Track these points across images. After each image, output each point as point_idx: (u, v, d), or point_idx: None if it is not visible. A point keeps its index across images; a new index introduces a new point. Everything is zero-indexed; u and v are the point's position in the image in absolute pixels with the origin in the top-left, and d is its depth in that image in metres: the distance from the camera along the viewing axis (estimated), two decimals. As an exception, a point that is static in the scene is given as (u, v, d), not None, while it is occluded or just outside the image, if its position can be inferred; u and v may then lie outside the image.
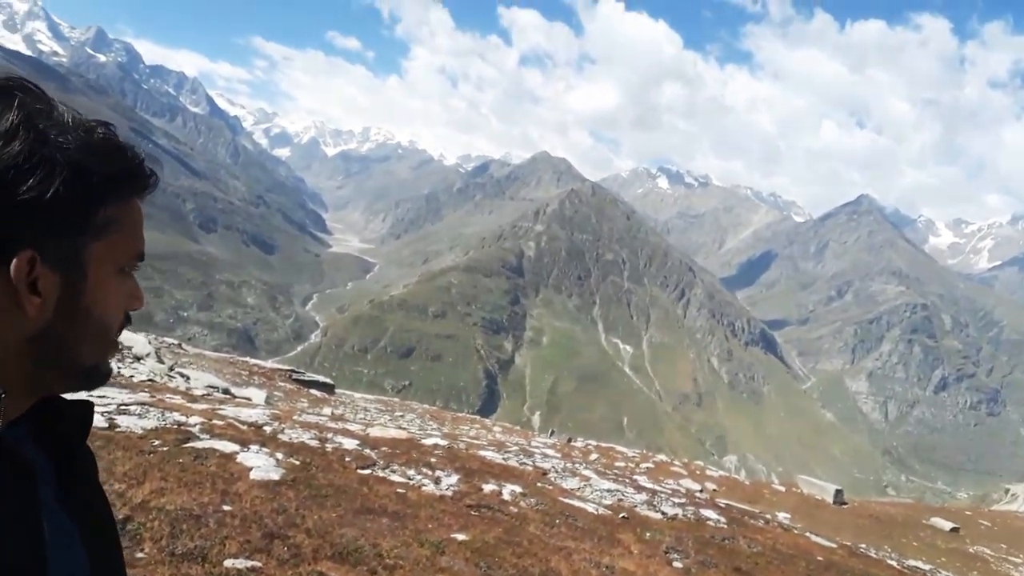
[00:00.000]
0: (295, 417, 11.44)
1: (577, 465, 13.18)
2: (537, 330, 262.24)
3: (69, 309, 0.74)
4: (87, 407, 0.91)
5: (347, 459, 9.12)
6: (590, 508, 9.71)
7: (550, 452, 15.30)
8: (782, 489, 23.79)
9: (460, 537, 7.13)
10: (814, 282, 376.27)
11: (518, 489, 9.53)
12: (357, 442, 10.08)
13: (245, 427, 9.41)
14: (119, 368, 15.86)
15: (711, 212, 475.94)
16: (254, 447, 8.42)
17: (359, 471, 8.78)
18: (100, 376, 0.83)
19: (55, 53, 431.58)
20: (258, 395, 18.78)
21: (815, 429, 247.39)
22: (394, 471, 9.14)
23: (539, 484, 10.54)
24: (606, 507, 10.09)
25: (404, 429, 13.62)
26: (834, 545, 12.06)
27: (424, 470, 9.45)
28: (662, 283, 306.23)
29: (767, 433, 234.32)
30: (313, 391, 28.08)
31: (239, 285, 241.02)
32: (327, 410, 18.76)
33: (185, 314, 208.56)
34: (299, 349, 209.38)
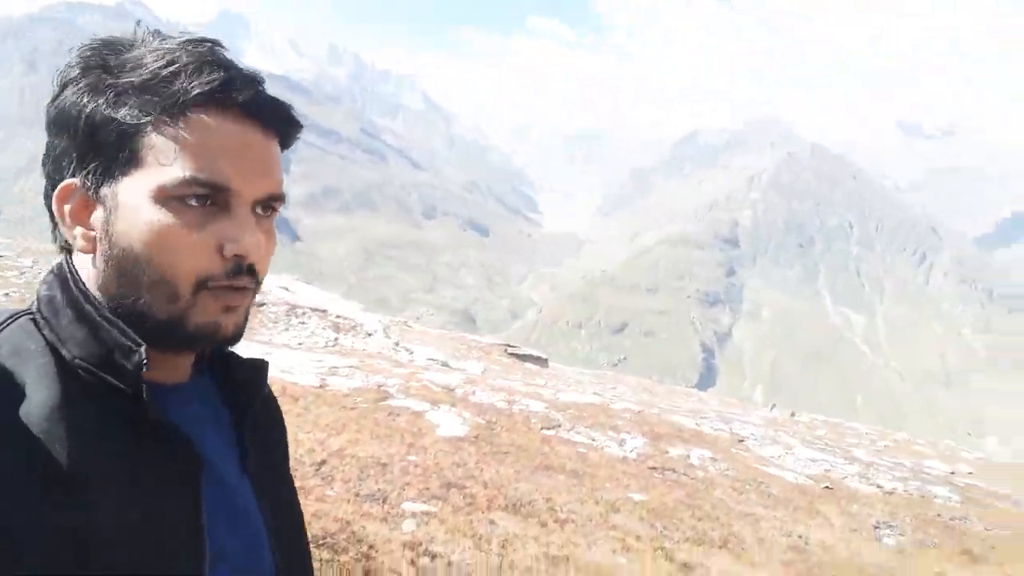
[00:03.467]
0: (488, 381, 11.92)
1: (780, 433, 12.35)
2: (756, 303, 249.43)
3: (109, 246, 0.67)
4: (256, 365, 0.84)
5: (532, 420, 9.33)
6: (788, 477, 9.05)
7: (752, 420, 14.47)
8: (1056, 469, 20.16)
9: (637, 497, 6.99)
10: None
11: (707, 454, 9.13)
12: (544, 405, 10.27)
13: (438, 389, 9.99)
14: (352, 342, 17.54)
15: (965, 165, 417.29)
16: (444, 407, 8.90)
17: (542, 431, 8.94)
18: (187, 333, 0.68)
19: (299, 70, 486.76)
20: (475, 367, 19.64)
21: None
22: (578, 433, 9.18)
23: (733, 450, 10.02)
24: (808, 477, 9.34)
25: (599, 395, 13.62)
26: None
27: (609, 432, 9.40)
28: (899, 248, 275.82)
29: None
30: (528, 364, 28.72)
31: (459, 267, 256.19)
32: (540, 380, 19.24)
33: (413, 295, 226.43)
34: (516, 326, 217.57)
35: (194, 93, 0.65)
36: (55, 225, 0.71)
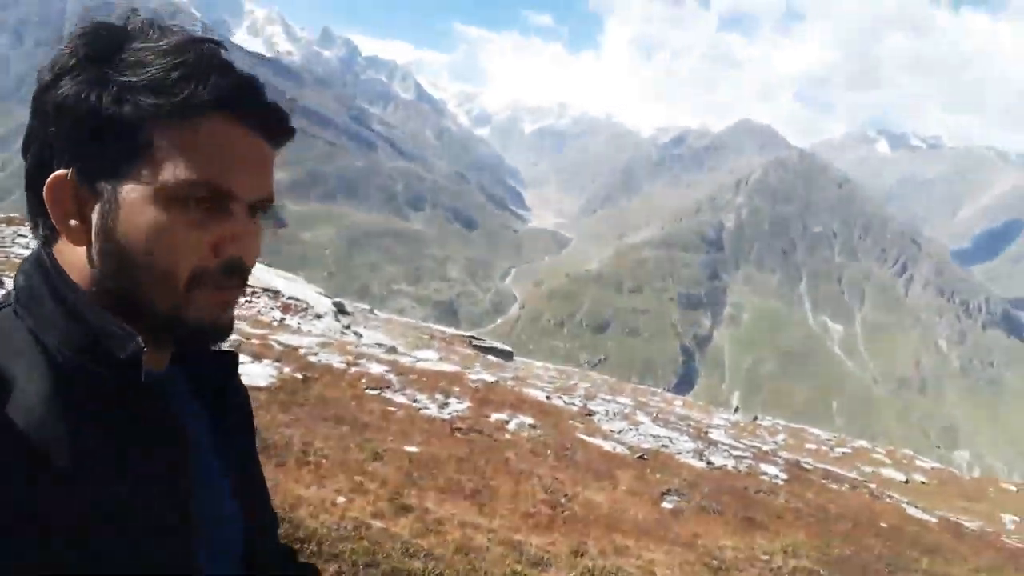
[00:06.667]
0: (350, 347, 11.94)
1: (638, 412, 12.45)
2: (737, 306, 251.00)
3: (106, 241, 0.68)
4: (227, 356, 0.87)
5: (362, 380, 9.36)
6: (608, 446, 9.14)
7: (623, 399, 14.59)
8: (1013, 488, 19.64)
9: (410, 449, 7.05)
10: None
11: (529, 421, 9.20)
12: (386, 368, 10.31)
13: (280, 348, 10.00)
14: (298, 323, 17.41)
15: (942, 177, 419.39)
16: (267, 361, 8.91)
17: (366, 391, 8.98)
18: (186, 328, 0.70)
19: (289, 52, 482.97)
20: (430, 356, 18.73)
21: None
22: (404, 394, 9.23)
23: (570, 422, 10.10)
24: (632, 448, 9.44)
25: (453, 365, 13.65)
26: (934, 519, 10.30)
27: (438, 396, 9.45)
28: (879, 257, 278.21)
29: (1010, 427, 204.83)
30: (490, 357, 27.61)
31: (444, 260, 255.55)
32: (492, 372, 18.27)
33: (396, 287, 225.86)
34: (498, 322, 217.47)
35: (203, 98, 0.67)
36: (36, 211, 0.71)
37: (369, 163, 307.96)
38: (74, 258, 0.70)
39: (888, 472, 19.12)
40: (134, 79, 0.66)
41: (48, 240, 0.72)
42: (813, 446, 21.55)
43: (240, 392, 0.92)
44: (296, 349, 10.21)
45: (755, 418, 27.61)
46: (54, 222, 0.69)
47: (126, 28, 0.70)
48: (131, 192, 0.67)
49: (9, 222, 17.48)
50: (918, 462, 23.04)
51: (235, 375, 0.89)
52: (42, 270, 0.70)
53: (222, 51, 0.72)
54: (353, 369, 9.81)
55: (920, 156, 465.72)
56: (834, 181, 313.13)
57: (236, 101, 0.69)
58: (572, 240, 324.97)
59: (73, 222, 0.69)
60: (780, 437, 22.15)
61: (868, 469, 19.25)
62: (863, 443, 26.49)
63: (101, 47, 0.67)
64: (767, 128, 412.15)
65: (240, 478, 0.84)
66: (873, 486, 12.09)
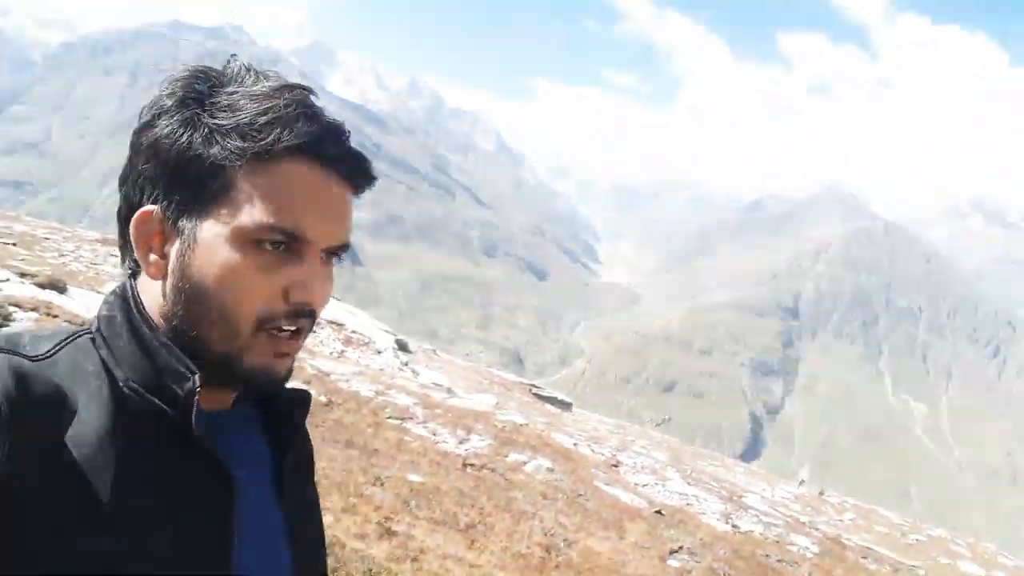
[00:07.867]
0: (383, 379, 12.08)
1: (669, 469, 12.00)
2: (812, 377, 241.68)
3: (180, 278, 0.70)
4: (299, 398, 0.85)
5: (385, 410, 9.45)
6: (626, 498, 8.87)
7: (658, 455, 14.12)
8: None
9: (414, 479, 7.03)
10: None
11: (548, 464, 9.04)
12: (414, 400, 10.37)
13: (312, 372, 10.22)
14: (359, 357, 17.81)
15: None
16: (294, 383, 9.11)
17: (387, 420, 9.05)
18: (239, 372, 0.71)
19: (377, 101, 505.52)
20: (486, 399, 17.99)
21: None
22: (425, 427, 9.25)
23: (593, 470, 9.86)
24: (653, 503, 9.12)
25: (526, 417, 13.53)
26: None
27: (459, 432, 9.42)
28: (970, 337, 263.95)
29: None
30: (548, 406, 26.94)
31: (513, 308, 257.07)
32: (543, 419, 17.60)
33: (464, 331, 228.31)
34: (563, 373, 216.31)
35: (287, 143, 0.68)
36: (125, 244, 0.73)
37: (447, 209, 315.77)
38: (152, 292, 0.72)
39: (966, 566, 17.66)
40: (224, 122, 0.68)
41: (134, 273, 0.75)
42: (884, 529, 20.09)
43: (306, 436, 0.91)
44: (328, 375, 10.42)
45: (821, 492, 26.04)
46: (137, 256, 0.71)
47: (223, 72, 0.73)
48: (209, 231, 0.69)
49: (103, 242, 18.70)
50: (1001, 558, 21.14)
51: (305, 415, 0.87)
52: (124, 303, 0.73)
53: (311, 97, 0.73)
54: (380, 398, 9.92)
55: (1018, 233, 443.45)
56: (922, 255, 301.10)
57: (319, 147, 0.70)
58: (644, 297, 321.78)
59: (153, 256, 0.71)
60: (848, 516, 20.79)
61: (944, 560, 17.87)
62: (941, 532, 24.48)
63: (197, 90, 0.70)
64: (851, 196, 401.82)
65: (296, 527, 0.82)
66: (923, 573, 11.25)
